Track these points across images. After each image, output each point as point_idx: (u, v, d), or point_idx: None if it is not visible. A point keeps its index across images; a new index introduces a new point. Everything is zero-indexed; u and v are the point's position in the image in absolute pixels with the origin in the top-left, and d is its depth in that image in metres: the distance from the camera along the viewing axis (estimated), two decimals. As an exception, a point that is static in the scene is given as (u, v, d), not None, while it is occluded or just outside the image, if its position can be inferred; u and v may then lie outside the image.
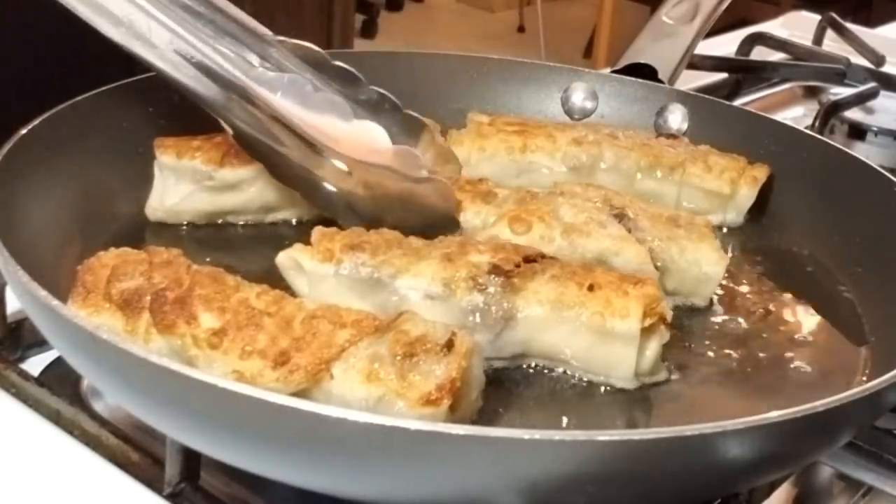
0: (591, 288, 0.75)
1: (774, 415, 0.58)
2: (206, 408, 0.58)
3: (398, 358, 0.65)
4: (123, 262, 0.73)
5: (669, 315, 0.76)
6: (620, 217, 0.88)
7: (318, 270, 0.78)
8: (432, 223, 0.86)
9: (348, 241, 0.79)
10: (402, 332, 0.67)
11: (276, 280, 0.78)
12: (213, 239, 0.93)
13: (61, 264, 0.78)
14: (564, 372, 0.77)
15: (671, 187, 1.00)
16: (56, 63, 2.00)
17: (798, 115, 1.53)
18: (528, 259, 0.78)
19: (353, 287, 0.77)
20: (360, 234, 0.80)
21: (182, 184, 0.92)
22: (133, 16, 0.82)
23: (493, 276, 0.75)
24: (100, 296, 0.71)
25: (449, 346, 0.66)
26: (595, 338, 0.75)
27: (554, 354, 0.77)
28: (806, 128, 1.19)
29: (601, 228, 0.85)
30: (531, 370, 0.78)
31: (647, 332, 0.75)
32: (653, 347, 0.76)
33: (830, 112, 1.33)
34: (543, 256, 0.79)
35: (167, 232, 0.92)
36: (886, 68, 1.61)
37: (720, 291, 0.89)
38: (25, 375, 0.79)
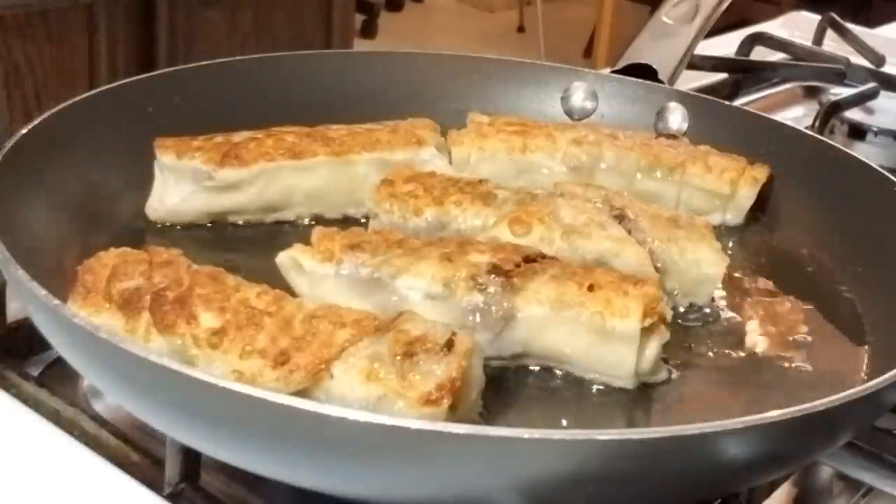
0: (591, 288, 0.75)
1: (774, 414, 0.58)
2: (206, 408, 0.58)
3: (398, 358, 0.65)
4: (123, 262, 0.73)
5: (669, 315, 0.76)
6: (620, 218, 0.88)
7: (318, 270, 0.78)
8: None
9: (348, 241, 0.79)
10: (402, 332, 0.67)
11: (276, 280, 0.78)
12: (213, 239, 0.93)
13: (61, 264, 0.78)
14: (564, 372, 0.77)
15: (671, 187, 1.00)
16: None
17: (798, 115, 1.53)
18: (528, 259, 0.78)
19: (353, 287, 0.77)
20: (360, 234, 0.80)
21: (182, 184, 0.92)
22: None
23: (493, 276, 0.75)
24: (100, 296, 0.71)
25: (449, 345, 0.66)
26: (595, 338, 0.75)
27: (554, 354, 0.77)
28: (806, 128, 1.19)
29: (601, 230, 0.85)
30: (531, 370, 0.78)
31: (646, 331, 0.75)
32: (653, 347, 0.76)
33: (830, 112, 1.33)
34: (544, 256, 0.79)
35: (167, 232, 0.92)
36: (886, 68, 1.60)
37: (720, 291, 0.89)
38: (25, 375, 0.79)
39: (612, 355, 0.75)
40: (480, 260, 0.77)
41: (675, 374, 0.78)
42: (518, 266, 0.76)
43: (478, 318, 0.75)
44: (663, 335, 0.76)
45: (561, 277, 0.76)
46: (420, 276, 0.76)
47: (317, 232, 0.80)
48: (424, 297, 0.76)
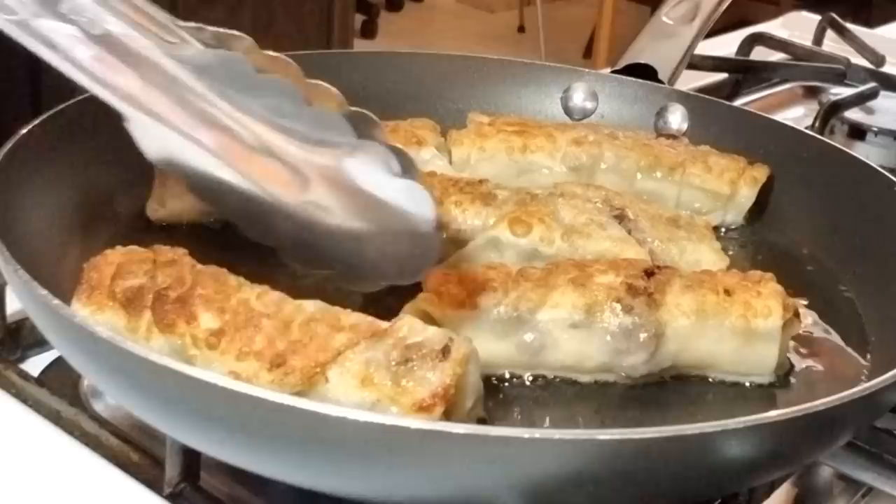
0: (727, 292, 0.76)
1: (774, 414, 0.58)
2: (206, 407, 0.58)
3: (394, 363, 0.65)
4: (128, 260, 0.73)
5: (801, 306, 0.77)
6: (621, 218, 0.88)
7: (451, 318, 0.74)
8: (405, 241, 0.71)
9: (475, 286, 0.75)
10: (399, 338, 0.67)
11: (279, 280, 0.77)
12: (219, 239, 0.92)
13: (61, 264, 0.78)
14: (563, 374, 0.77)
15: (671, 187, 1.00)
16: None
17: (798, 115, 1.53)
18: (647, 272, 0.77)
19: (492, 329, 0.74)
20: (479, 273, 0.76)
21: (182, 185, 0.91)
22: None
23: (634, 295, 0.74)
24: (103, 293, 0.71)
25: (445, 352, 0.65)
26: (739, 340, 0.75)
27: (701, 363, 0.77)
28: (806, 128, 1.19)
29: (601, 230, 0.85)
30: (526, 375, 0.77)
31: (785, 326, 0.76)
32: (788, 340, 0.77)
33: (830, 112, 1.33)
34: (659, 267, 0.79)
35: (173, 231, 0.92)
36: (886, 68, 1.60)
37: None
38: (25, 375, 0.79)
39: (755, 355, 0.76)
40: (611, 280, 0.75)
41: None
42: (643, 280, 0.76)
43: (630, 340, 0.74)
44: (797, 327, 0.78)
45: (692, 286, 0.76)
46: (559, 307, 0.74)
47: (432, 279, 0.75)
48: (569, 328, 0.74)
